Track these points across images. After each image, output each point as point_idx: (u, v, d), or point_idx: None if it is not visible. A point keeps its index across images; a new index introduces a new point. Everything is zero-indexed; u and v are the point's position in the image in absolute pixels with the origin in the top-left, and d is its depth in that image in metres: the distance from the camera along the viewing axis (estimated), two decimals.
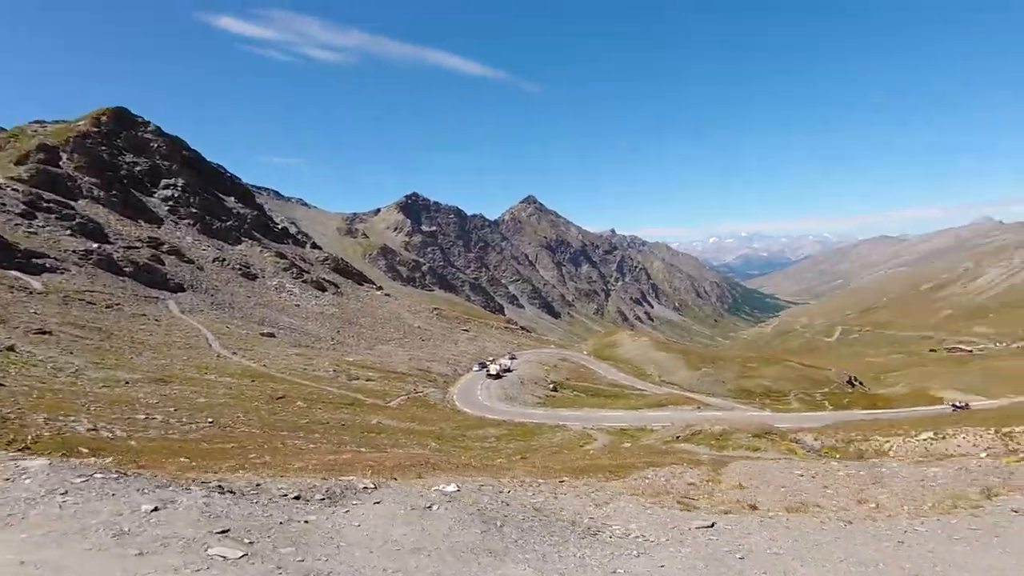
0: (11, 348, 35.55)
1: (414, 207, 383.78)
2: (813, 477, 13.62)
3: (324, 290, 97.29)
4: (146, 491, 6.62)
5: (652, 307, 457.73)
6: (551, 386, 70.24)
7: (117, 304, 57.62)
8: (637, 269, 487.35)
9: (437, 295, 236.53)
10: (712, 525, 9.33)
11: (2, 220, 61.20)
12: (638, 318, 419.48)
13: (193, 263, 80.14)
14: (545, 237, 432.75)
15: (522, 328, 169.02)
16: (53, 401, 22.33)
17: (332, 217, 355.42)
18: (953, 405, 66.07)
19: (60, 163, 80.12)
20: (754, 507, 11.11)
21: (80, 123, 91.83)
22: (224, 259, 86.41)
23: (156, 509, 6.06)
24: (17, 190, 68.20)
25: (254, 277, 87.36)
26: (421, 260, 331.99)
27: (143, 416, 23.18)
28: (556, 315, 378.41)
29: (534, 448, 31.35)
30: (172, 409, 26.22)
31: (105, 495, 6.26)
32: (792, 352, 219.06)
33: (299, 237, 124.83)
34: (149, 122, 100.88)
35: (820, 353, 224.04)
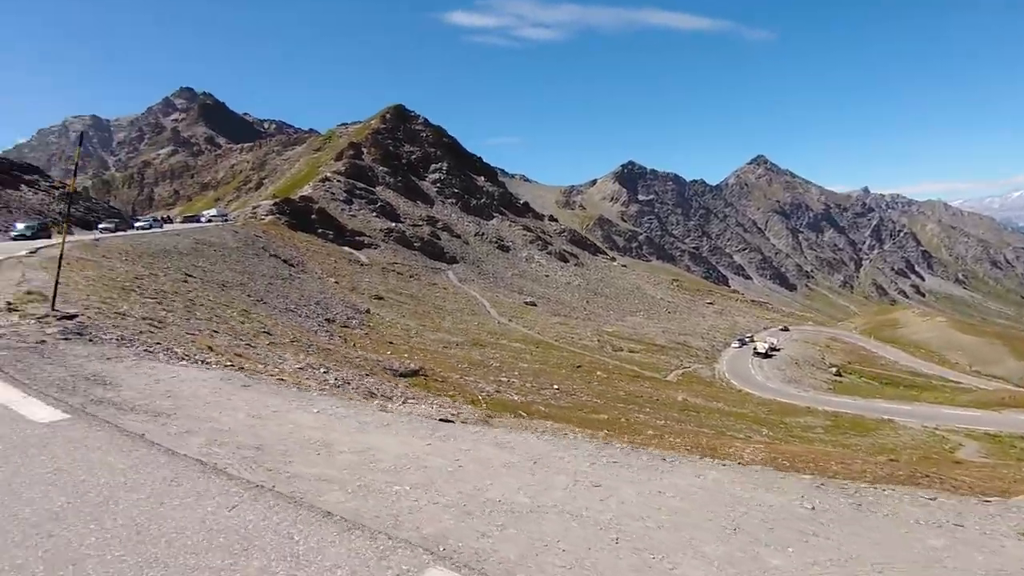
0: (367, 311, 43.69)
1: (630, 176, 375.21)
2: None
3: (566, 261, 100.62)
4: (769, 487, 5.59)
5: (923, 279, 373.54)
6: (832, 369, 61.12)
7: (416, 274, 67.62)
8: (901, 234, 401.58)
9: (655, 266, 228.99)
10: None
11: (335, 207, 76.49)
12: (902, 292, 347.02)
13: (460, 237, 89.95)
14: (778, 201, 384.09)
15: (756, 302, 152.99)
16: (436, 362, 26.13)
17: (551, 190, 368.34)
18: None
19: (363, 157, 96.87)
20: None
21: (372, 121, 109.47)
22: (483, 233, 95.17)
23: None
24: (340, 181, 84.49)
25: (507, 249, 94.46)
26: (637, 230, 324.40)
27: (504, 379, 25.68)
28: (791, 287, 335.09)
29: (887, 448, 26.54)
30: (516, 373, 28.73)
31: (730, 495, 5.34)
32: None
33: (538, 212, 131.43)
34: (419, 115, 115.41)
35: None
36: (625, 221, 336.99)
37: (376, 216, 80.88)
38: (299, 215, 67.81)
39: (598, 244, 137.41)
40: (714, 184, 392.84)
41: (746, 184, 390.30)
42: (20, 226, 29.44)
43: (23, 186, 35.26)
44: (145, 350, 6.08)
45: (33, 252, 15.42)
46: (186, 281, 21.59)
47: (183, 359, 6.03)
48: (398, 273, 64.71)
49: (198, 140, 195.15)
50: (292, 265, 49.04)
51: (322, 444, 4.00)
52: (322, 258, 57.99)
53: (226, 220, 58.44)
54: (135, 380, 4.86)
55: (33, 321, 5.90)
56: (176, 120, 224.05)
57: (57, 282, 7.35)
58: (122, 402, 4.18)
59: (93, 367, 5.08)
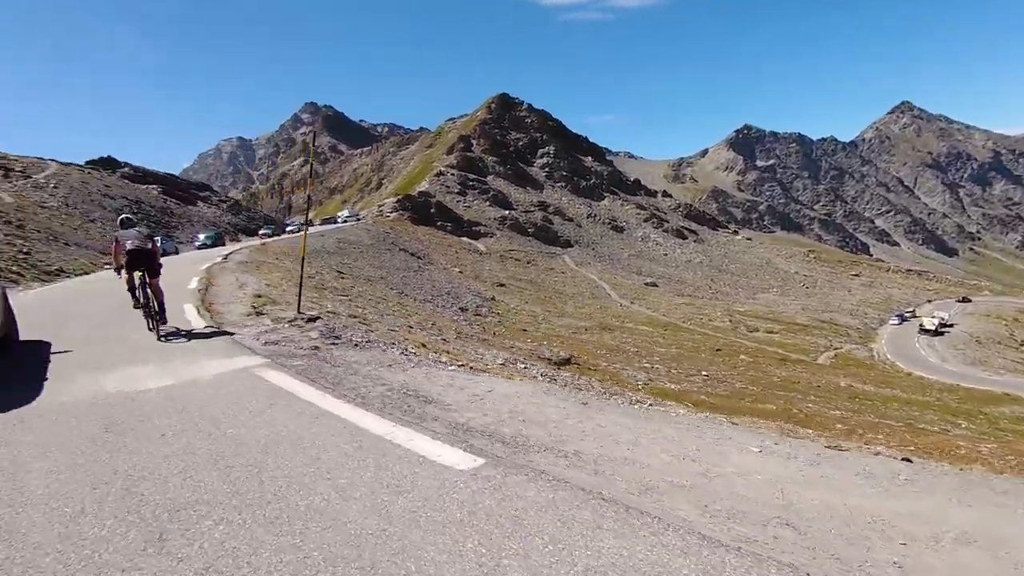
0: (492, 298, 44.43)
1: (746, 141, 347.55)
2: None
3: (684, 238, 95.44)
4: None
5: None
6: None
7: (532, 260, 67.88)
8: None
9: (780, 237, 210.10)
10: None
11: (450, 199, 79.07)
12: None
13: (572, 220, 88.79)
14: (929, 153, 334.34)
15: (913, 271, 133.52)
16: (575, 348, 25.65)
17: (658, 165, 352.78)
18: None
19: (472, 148, 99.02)
20: None
21: (478, 113, 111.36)
22: (595, 215, 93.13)
23: None
24: (453, 174, 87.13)
25: (621, 229, 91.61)
26: (757, 199, 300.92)
27: (648, 365, 24.52)
28: (950, 252, 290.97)
29: None
30: (656, 359, 27.40)
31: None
32: None
33: (650, 188, 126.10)
34: (523, 101, 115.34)
35: None
36: (742, 191, 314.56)
37: (489, 205, 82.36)
38: (419, 210, 70.97)
39: (717, 218, 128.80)
40: (847, 141, 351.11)
41: (888, 137, 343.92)
42: (202, 236, 33.71)
43: (199, 202, 40.39)
44: (401, 354, 5.87)
45: (225, 258, 17.16)
46: (344, 278, 23.06)
47: (444, 364, 5.76)
48: (516, 260, 65.35)
49: (323, 149, 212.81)
50: (419, 258, 51.33)
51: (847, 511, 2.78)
52: (444, 249, 60.20)
53: (358, 219, 62.79)
54: (455, 396, 4.31)
55: (287, 325, 6.08)
56: (304, 133, 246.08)
57: (301, 284, 7.75)
58: (494, 432, 3.49)
59: (394, 378, 4.73)
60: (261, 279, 12.30)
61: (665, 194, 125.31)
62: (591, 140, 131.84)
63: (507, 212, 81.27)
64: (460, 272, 52.19)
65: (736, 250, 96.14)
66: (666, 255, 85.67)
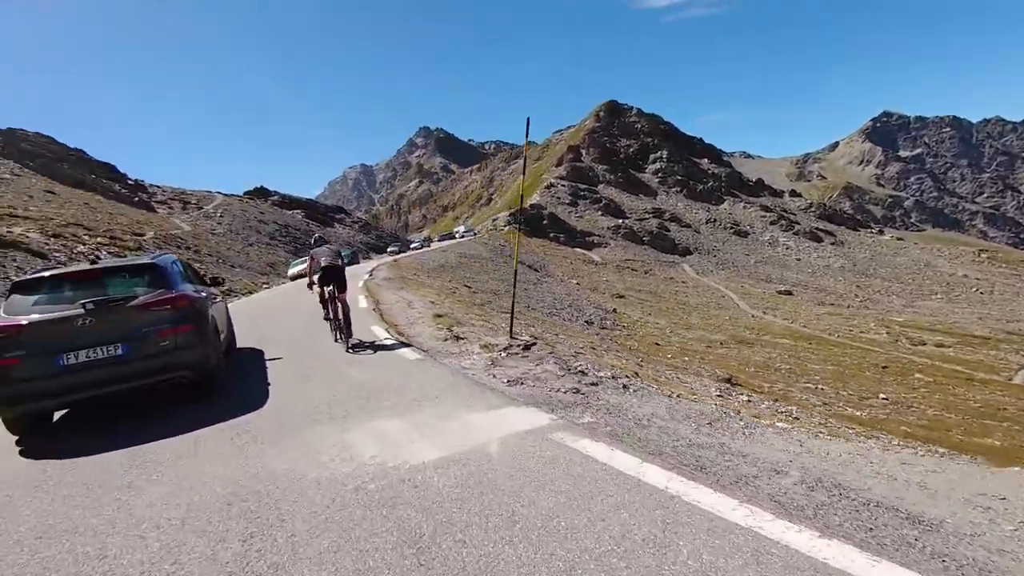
0: (614, 310, 42.74)
1: (885, 130, 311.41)
2: None
3: (820, 240, 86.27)
4: None
5: None
6: None
7: (650, 270, 64.95)
8: None
9: (931, 235, 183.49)
10: None
11: (562, 210, 78.57)
12: None
13: (690, 227, 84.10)
14: None
15: None
16: (722, 365, 23.43)
17: (778, 163, 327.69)
18: None
19: (581, 158, 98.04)
20: None
21: (585, 123, 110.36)
22: (714, 219, 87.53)
23: None
24: (563, 185, 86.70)
25: (745, 234, 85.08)
26: (900, 194, 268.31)
27: (810, 385, 21.62)
28: None
29: None
30: (817, 378, 24.21)
31: None
32: None
33: (775, 188, 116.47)
34: (632, 107, 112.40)
35: None
36: (882, 185, 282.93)
37: (601, 214, 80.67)
38: (532, 222, 71.21)
39: (857, 217, 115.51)
40: (1017, 120, 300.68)
41: None
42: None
43: (335, 223, 43.76)
44: (635, 391, 4.77)
45: (371, 274, 17.73)
46: (475, 292, 23.09)
47: (688, 400, 4.64)
48: (632, 270, 62.95)
49: (436, 170, 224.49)
50: (536, 270, 51.12)
51: None
52: (559, 260, 59.57)
53: (475, 234, 64.45)
54: (891, 490, 2.90)
55: (504, 354, 5.39)
56: (418, 156, 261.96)
57: (513, 308, 7.27)
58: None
59: (727, 444, 3.60)
60: (419, 296, 12.25)
61: (794, 193, 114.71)
62: (706, 141, 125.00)
63: (620, 221, 79.00)
64: (577, 284, 51.13)
65: (884, 252, 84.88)
66: (799, 260, 77.89)
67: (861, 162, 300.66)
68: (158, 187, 45.50)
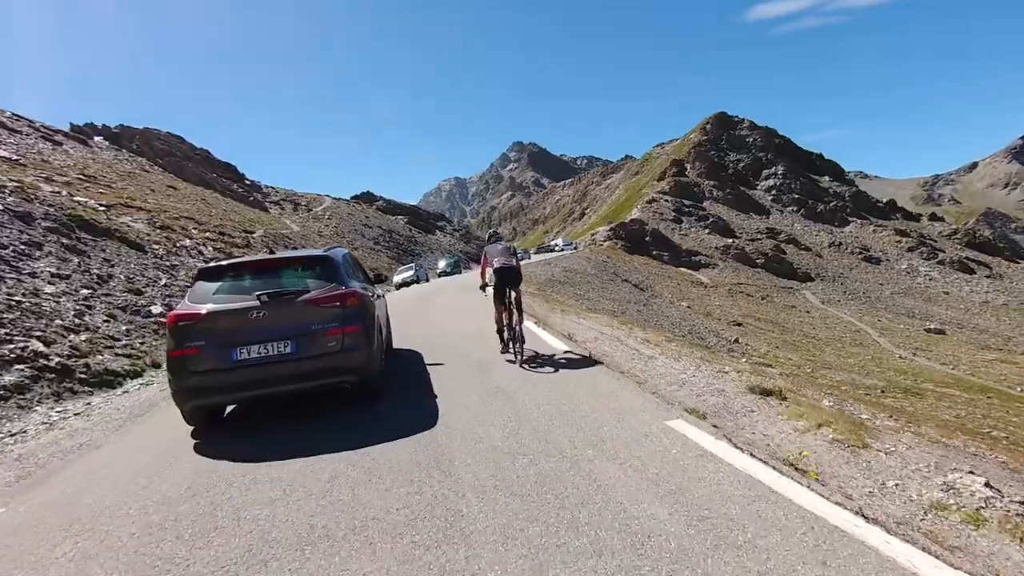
0: (736, 340, 37.78)
1: None
2: None
3: (972, 272, 74.37)
4: None
5: None
6: None
7: (767, 295, 58.46)
8: None
9: None
10: None
11: (665, 226, 73.67)
12: None
13: (810, 250, 75.83)
14: None
15: None
16: (911, 418, 18.62)
17: (902, 184, 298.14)
18: None
19: (686, 173, 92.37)
20: None
21: (691, 135, 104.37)
22: (839, 243, 78.40)
23: None
24: (666, 201, 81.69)
25: (877, 261, 75.26)
26: None
27: None
28: None
29: None
30: None
31: None
32: None
33: (910, 211, 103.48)
34: (744, 119, 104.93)
35: None
36: None
37: (708, 233, 74.77)
38: (633, 238, 67.13)
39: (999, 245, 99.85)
40: None
41: None
42: (442, 264, 34.81)
43: (437, 231, 42.76)
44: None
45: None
46: (591, 310, 20.10)
47: None
48: (747, 295, 56.92)
49: (527, 184, 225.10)
50: (642, 289, 47.16)
51: None
52: (665, 280, 55.05)
53: (575, 248, 61.60)
54: None
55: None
56: (511, 170, 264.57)
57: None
58: None
59: None
60: (560, 308, 10.37)
61: (934, 217, 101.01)
62: (826, 157, 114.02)
63: (730, 240, 72.69)
64: (689, 307, 46.43)
65: None
66: (947, 293, 67.29)
67: (1006, 185, 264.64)
68: (272, 188, 47.23)
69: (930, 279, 71.15)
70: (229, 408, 5.91)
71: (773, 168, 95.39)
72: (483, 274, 7.98)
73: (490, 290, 7.84)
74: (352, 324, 5.27)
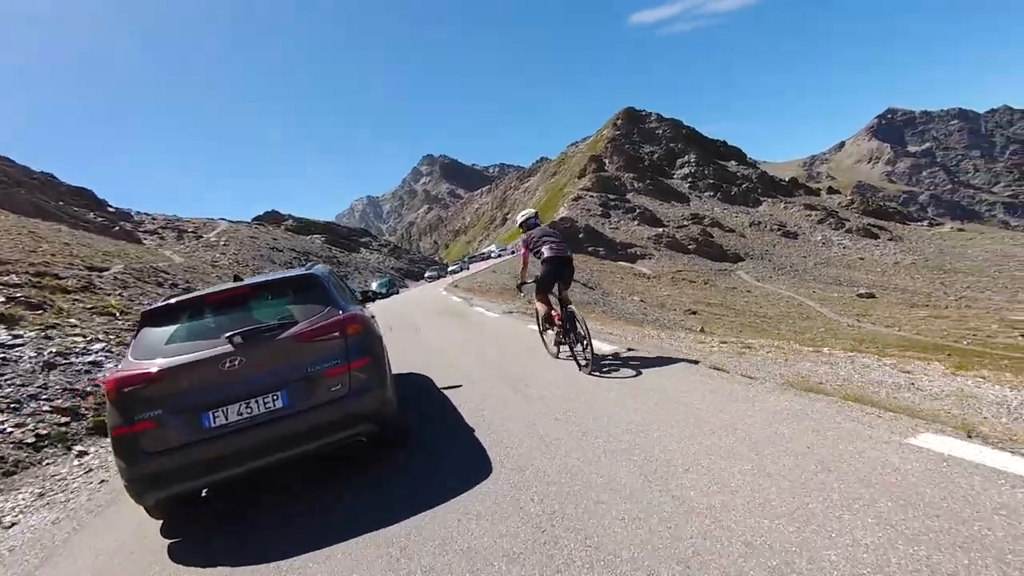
0: (702, 329, 35.60)
1: (891, 127, 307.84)
2: None
3: (876, 237, 79.37)
4: None
5: None
6: None
7: (708, 280, 57.94)
8: None
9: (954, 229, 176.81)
10: None
11: (595, 222, 72.08)
12: None
13: (734, 231, 77.46)
14: None
15: None
16: None
17: (785, 167, 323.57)
18: None
19: (605, 168, 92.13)
20: None
21: (604, 131, 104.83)
22: (758, 222, 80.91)
23: None
24: (593, 196, 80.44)
25: (795, 235, 78.30)
26: (914, 189, 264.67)
27: None
28: None
29: None
30: None
31: None
32: None
33: (810, 185, 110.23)
34: (651, 112, 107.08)
35: None
36: (893, 182, 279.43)
37: (638, 224, 74.17)
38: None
39: (903, 211, 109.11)
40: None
41: None
42: (375, 284, 29.84)
43: (361, 248, 37.33)
44: None
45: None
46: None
47: None
48: (690, 281, 55.99)
49: (443, 195, 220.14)
50: (592, 288, 44.29)
51: None
52: (609, 276, 52.77)
53: (512, 253, 58.02)
54: None
55: None
56: (424, 183, 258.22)
57: None
58: None
59: None
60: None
61: (832, 191, 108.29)
62: (729, 143, 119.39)
63: (660, 230, 72.44)
64: (641, 300, 44.19)
65: (951, 244, 77.71)
66: (862, 259, 70.79)
67: (870, 160, 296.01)
68: (147, 215, 39.48)
69: (844, 247, 74.87)
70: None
71: (686, 157, 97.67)
72: (524, 270, 6.61)
73: (526, 286, 6.72)
74: (359, 358, 3.91)
